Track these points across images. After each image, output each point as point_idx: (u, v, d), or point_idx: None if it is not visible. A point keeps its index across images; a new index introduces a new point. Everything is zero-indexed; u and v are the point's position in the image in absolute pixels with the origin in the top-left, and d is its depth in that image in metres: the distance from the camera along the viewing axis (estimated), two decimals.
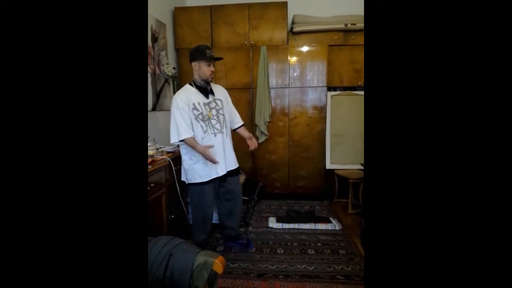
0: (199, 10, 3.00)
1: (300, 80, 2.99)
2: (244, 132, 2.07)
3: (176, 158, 2.01)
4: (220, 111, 1.89)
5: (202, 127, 1.82)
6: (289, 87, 3.01)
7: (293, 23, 3.07)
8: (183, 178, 1.96)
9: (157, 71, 2.63)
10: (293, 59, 2.96)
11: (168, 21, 2.93)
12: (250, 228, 2.46)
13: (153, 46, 2.55)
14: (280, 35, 2.96)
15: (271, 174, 3.12)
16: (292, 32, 3.04)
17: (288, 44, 2.99)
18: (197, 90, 1.84)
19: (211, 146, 1.82)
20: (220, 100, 1.92)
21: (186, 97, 1.80)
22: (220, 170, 1.89)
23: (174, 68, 2.87)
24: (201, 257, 1.07)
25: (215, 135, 1.86)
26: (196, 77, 1.84)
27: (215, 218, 2.38)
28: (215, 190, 1.95)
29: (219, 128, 1.87)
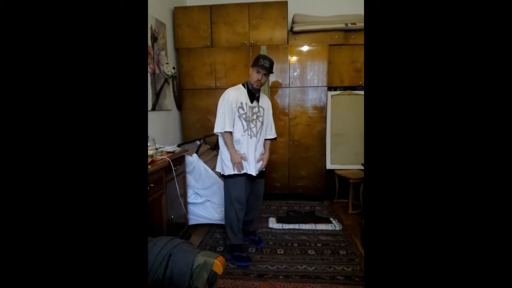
0: (199, 9, 2.99)
1: (300, 80, 2.98)
2: (267, 146, 2.12)
3: (176, 159, 2.01)
4: (260, 118, 1.98)
5: (243, 125, 1.92)
6: (289, 87, 3.01)
7: (293, 22, 3.07)
8: (218, 169, 2.05)
9: (157, 71, 2.63)
10: (293, 59, 2.96)
11: (168, 21, 2.93)
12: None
13: (152, 46, 2.55)
14: (280, 34, 2.95)
15: (271, 174, 3.12)
16: (292, 32, 3.03)
17: (288, 43, 2.99)
18: (247, 92, 1.95)
19: (245, 158, 1.92)
20: (263, 108, 2.01)
21: (237, 94, 1.92)
22: (251, 170, 1.95)
23: (173, 68, 2.87)
24: (200, 258, 1.07)
25: (251, 137, 1.95)
26: (250, 80, 1.94)
27: (217, 219, 2.38)
28: (246, 187, 1.98)
29: (255, 132, 1.96)
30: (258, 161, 2.02)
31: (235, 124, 1.90)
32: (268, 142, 2.13)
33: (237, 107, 1.89)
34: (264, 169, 2.09)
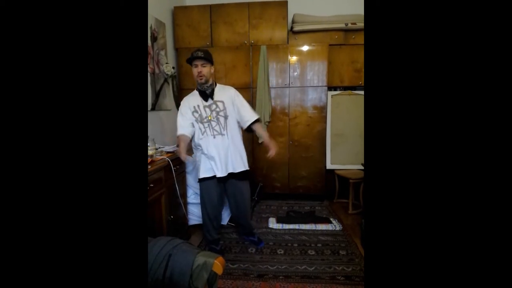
0: (198, 9, 2.99)
1: (300, 80, 2.98)
2: (261, 131, 2.02)
3: (176, 158, 2.00)
4: (221, 113, 1.91)
5: (200, 128, 1.91)
6: (289, 87, 3.00)
7: (293, 22, 3.07)
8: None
9: (157, 71, 2.63)
10: (293, 59, 2.96)
11: (167, 21, 2.92)
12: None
13: (152, 46, 2.55)
14: (280, 34, 2.95)
15: (271, 174, 3.12)
16: (292, 32, 3.03)
17: (288, 43, 2.99)
18: (199, 93, 1.94)
19: (190, 159, 2.00)
20: (222, 102, 1.92)
21: (189, 101, 1.94)
22: (218, 172, 1.92)
23: (173, 68, 2.86)
24: (200, 258, 1.07)
25: (214, 137, 1.90)
26: (195, 80, 1.90)
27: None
28: (217, 189, 1.98)
29: (218, 130, 1.90)
30: (269, 150, 1.91)
31: (195, 129, 1.93)
32: (258, 126, 2.00)
33: (192, 112, 1.90)
34: (247, 169, 2.00)
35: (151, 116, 2.50)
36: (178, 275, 1.04)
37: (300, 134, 3.04)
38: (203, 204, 2.02)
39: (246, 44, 2.98)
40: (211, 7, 2.97)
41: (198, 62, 1.82)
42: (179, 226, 2.11)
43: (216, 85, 1.97)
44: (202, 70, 1.83)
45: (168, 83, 2.86)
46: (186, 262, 1.05)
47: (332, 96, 3.10)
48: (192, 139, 1.98)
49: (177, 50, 3.09)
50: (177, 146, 1.95)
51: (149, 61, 2.48)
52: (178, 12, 3.00)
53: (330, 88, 3.05)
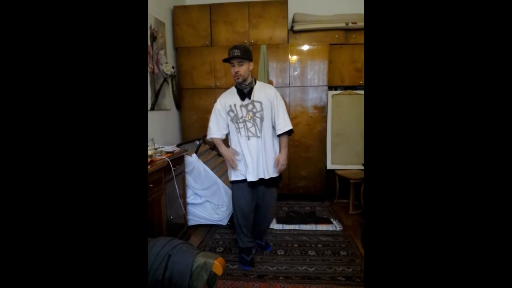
0: (198, 8, 2.99)
1: (301, 79, 2.98)
2: (282, 144, 1.87)
3: (176, 159, 2.00)
4: (257, 114, 1.78)
5: (236, 128, 1.82)
6: (289, 86, 3.00)
7: (293, 21, 3.06)
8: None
9: (156, 70, 2.62)
10: (294, 58, 2.95)
11: (167, 20, 2.92)
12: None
13: (152, 45, 2.54)
14: (280, 33, 2.94)
15: None
16: (292, 31, 3.03)
17: (288, 43, 2.98)
18: (237, 91, 1.82)
19: (238, 154, 1.82)
20: (260, 103, 1.78)
21: (225, 99, 1.84)
22: (249, 176, 1.80)
23: (173, 67, 2.86)
24: (200, 258, 1.06)
25: (249, 139, 1.79)
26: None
27: (217, 219, 2.37)
28: (249, 193, 1.85)
29: (254, 132, 1.78)
30: (275, 164, 1.83)
31: (230, 129, 1.86)
32: (283, 139, 1.85)
33: (227, 111, 1.80)
34: (277, 176, 1.87)
35: (151, 116, 2.50)
36: (177, 276, 1.04)
37: (300, 134, 3.04)
38: (234, 207, 1.91)
39: (246, 44, 2.97)
40: (210, 6, 2.96)
41: (235, 61, 1.71)
42: (178, 227, 2.10)
43: (256, 83, 1.82)
44: (239, 69, 1.71)
45: (168, 83, 2.86)
46: (185, 263, 1.05)
47: (332, 95, 3.09)
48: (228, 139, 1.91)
49: (176, 49, 3.08)
50: (211, 148, 1.85)
51: (148, 60, 2.48)
52: (177, 12, 3.00)
53: (330, 87, 3.05)
